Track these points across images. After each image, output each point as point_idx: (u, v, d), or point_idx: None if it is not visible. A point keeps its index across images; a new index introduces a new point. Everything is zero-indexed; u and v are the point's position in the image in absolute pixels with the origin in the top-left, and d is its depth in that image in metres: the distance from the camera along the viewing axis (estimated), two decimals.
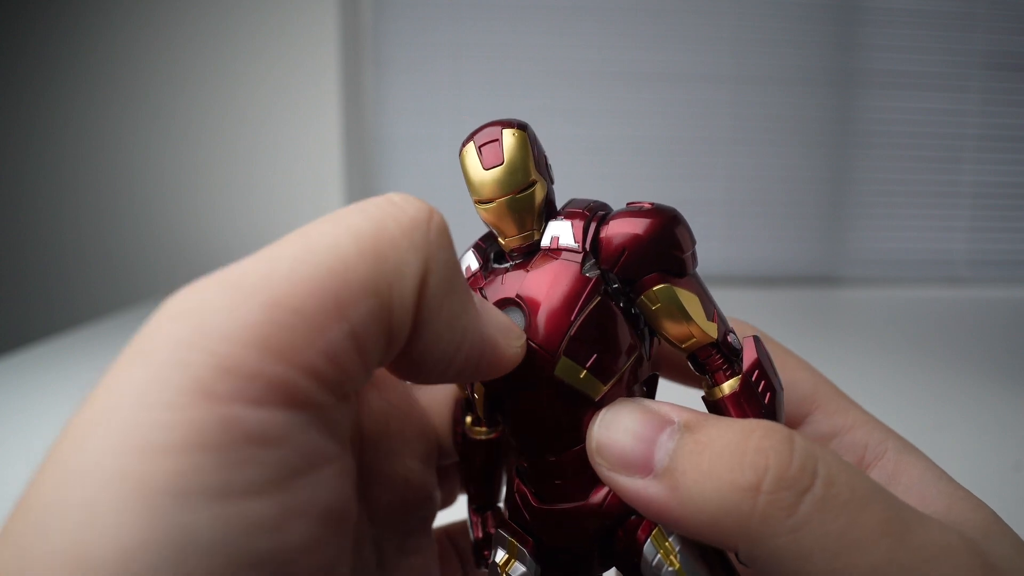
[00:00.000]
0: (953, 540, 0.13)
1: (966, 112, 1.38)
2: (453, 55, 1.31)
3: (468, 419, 0.20)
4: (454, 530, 0.24)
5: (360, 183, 1.32)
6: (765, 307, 1.01)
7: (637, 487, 0.14)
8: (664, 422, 0.14)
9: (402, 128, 1.33)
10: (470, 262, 0.17)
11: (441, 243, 0.13)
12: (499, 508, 0.20)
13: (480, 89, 1.32)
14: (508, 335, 0.15)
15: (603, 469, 0.15)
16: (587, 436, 0.15)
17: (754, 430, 0.14)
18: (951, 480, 0.16)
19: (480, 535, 0.20)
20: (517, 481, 0.17)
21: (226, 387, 0.10)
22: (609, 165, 1.34)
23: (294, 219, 1.26)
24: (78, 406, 0.11)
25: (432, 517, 0.21)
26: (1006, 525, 0.15)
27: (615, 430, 0.14)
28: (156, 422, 0.10)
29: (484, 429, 0.20)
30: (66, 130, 1.24)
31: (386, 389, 0.19)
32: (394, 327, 0.13)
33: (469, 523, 0.20)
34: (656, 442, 0.14)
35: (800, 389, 0.18)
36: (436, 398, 0.21)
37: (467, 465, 0.20)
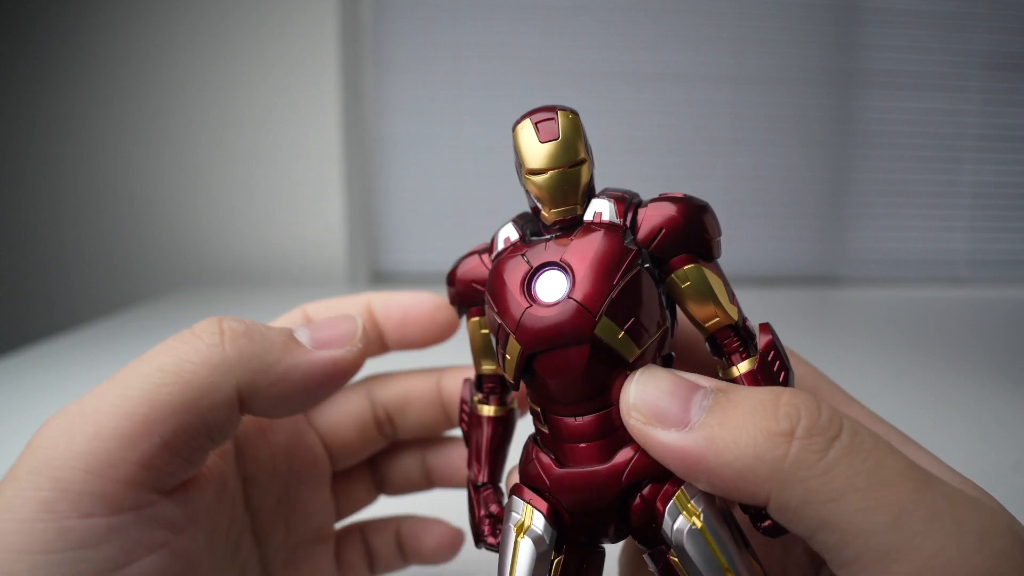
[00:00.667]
0: (976, 499, 0.13)
1: (966, 112, 1.38)
2: (453, 55, 1.31)
3: (476, 397, 0.21)
4: (368, 527, 0.26)
5: (360, 183, 1.33)
6: (765, 307, 1.01)
7: (672, 439, 0.15)
8: (697, 386, 0.15)
9: (402, 128, 1.33)
10: (509, 233, 0.18)
11: (240, 345, 0.18)
12: (500, 488, 0.21)
13: (480, 89, 1.32)
14: (344, 343, 0.20)
15: (638, 424, 0.15)
16: (622, 394, 0.16)
17: (783, 391, 0.15)
18: (957, 472, 0.16)
19: (482, 513, 0.20)
20: (535, 450, 0.18)
21: (63, 505, 0.15)
22: (609, 165, 1.33)
23: (294, 219, 1.26)
24: None
25: (329, 527, 0.25)
26: (1012, 515, 0.15)
27: (652, 386, 0.15)
28: (15, 531, 0.14)
29: (492, 407, 0.21)
30: (66, 130, 1.24)
31: (273, 433, 0.23)
32: (217, 423, 0.17)
33: (469, 501, 0.20)
34: (691, 400, 0.15)
35: (801, 385, 0.19)
36: (332, 419, 0.24)
37: (472, 443, 0.21)
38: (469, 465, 0.21)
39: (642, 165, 1.34)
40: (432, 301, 0.24)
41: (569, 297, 0.16)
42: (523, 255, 0.17)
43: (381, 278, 1.38)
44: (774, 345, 0.17)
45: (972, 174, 1.41)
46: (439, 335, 0.24)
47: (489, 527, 0.20)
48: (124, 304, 1.20)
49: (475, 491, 0.20)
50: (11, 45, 1.22)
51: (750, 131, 1.36)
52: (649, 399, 0.15)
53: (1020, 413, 0.56)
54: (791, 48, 1.34)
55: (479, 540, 0.20)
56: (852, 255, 1.41)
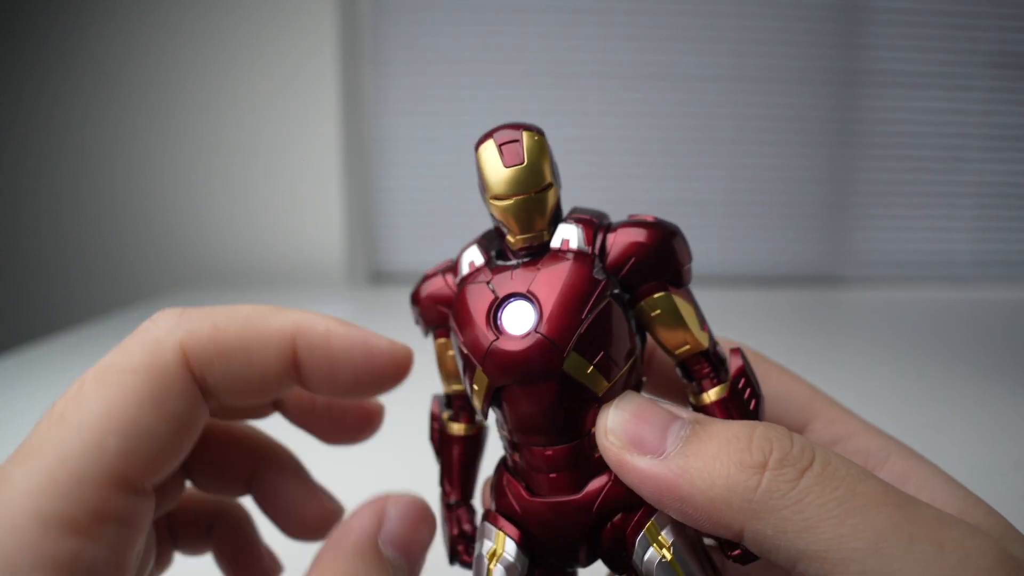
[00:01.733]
0: (959, 520, 0.13)
1: (970, 111, 1.38)
2: (453, 55, 1.31)
3: (446, 415, 0.21)
4: (173, 513, 0.23)
5: (359, 183, 1.32)
6: (765, 307, 1.01)
7: (647, 465, 0.15)
8: (675, 416, 0.15)
9: (402, 128, 1.33)
10: (474, 257, 0.18)
11: (135, 384, 0.16)
12: (472, 506, 0.21)
13: (480, 90, 1.32)
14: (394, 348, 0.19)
15: (614, 448, 0.15)
16: (599, 417, 0.16)
17: (757, 425, 0.15)
18: (961, 485, 0.16)
19: (456, 532, 0.20)
20: (507, 476, 0.18)
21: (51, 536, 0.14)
22: (609, 165, 1.33)
23: (294, 219, 1.26)
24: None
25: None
26: (1019, 532, 0.15)
27: (631, 413, 0.15)
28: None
29: (462, 425, 0.20)
30: (66, 130, 1.25)
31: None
32: (161, 452, 0.16)
33: (441, 520, 0.20)
34: (669, 429, 0.15)
35: (797, 399, 0.19)
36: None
37: (444, 461, 0.21)
38: (441, 483, 0.21)
39: (642, 165, 1.34)
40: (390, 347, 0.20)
41: (536, 331, 0.15)
42: (488, 283, 0.17)
43: (380, 278, 1.38)
44: (745, 372, 0.17)
45: (975, 173, 1.40)
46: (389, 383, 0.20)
47: (464, 546, 0.20)
48: (124, 304, 1.20)
49: (448, 510, 0.20)
50: (11, 45, 1.22)
51: (750, 131, 1.35)
52: (627, 425, 0.15)
53: (1021, 413, 0.55)
54: (792, 48, 1.34)
55: (453, 558, 0.20)
56: (854, 255, 1.41)
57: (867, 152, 1.38)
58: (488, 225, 0.19)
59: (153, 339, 0.16)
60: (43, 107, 1.24)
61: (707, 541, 0.16)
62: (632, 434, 0.15)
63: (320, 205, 1.26)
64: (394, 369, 0.19)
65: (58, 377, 0.65)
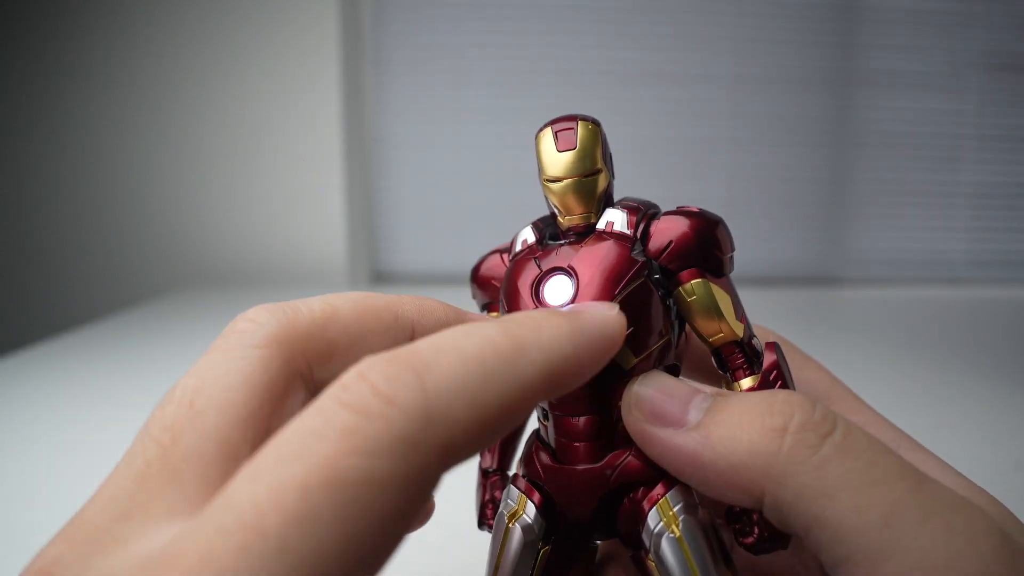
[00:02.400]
0: (968, 501, 0.13)
1: (965, 112, 1.38)
2: (453, 55, 1.31)
3: None
4: None
5: (360, 183, 1.33)
6: (765, 307, 1.01)
7: (669, 435, 0.15)
8: (696, 390, 0.16)
9: (402, 128, 1.33)
10: (527, 236, 0.19)
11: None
12: (507, 475, 0.21)
13: (480, 89, 1.32)
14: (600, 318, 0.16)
15: (638, 421, 0.16)
16: (624, 392, 0.16)
17: (777, 392, 0.15)
18: (966, 478, 0.16)
19: (487, 498, 0.21)
20: (537, 444, 0.18)
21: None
22: None
23: (294, 219, 1.26)
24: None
25: None
26: (1021, 521, 0.15)
27: (654, 387, 0.16)
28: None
29: None
30: (66, 130, 1.24)
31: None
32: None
33: (478, 485, 0.21)
34: (691, 402, 0.15)
35: (817, 389, 0.19)
36: None
37: None
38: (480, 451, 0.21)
39: (642, 165, 1.34)
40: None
41: (572, 303, 0.16)
42: (536, 259, 0.18)
43: (381, 278, 1.38)
44: (778, 365, 0.17)
45: (971, 174, 1.41)
46: None
47: (492, 512, 0.20)
48: (124, 304, 1.20)
49: (483, 477, 0.21)
50: (11, 46, 1.22)
51: (749, 131, 1.36)
52: (650, 398, 0.16)
53: (1020, 413, 0.56)
54: (791, 48, 1.34)
55: (481, 522, 0.21)
56: (851, 255, 1.42)
57: (864, 153, 1.38)
58: (510, 212, 0.20)
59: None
60: (44, 108, 1.24)
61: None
62: (655, 407, 0.15)
63: (321, 205, 1.26)
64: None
65: (59, 378, 0.65)
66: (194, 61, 1.23)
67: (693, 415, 0.15)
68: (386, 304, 0.16)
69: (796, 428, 0.14)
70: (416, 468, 0.11)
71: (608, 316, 0.15)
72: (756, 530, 0.16)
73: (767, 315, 1.00)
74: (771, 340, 0.18)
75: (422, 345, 0.12)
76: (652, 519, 0.16)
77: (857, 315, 1.08)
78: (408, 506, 0.11)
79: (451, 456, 0.11)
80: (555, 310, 0.14)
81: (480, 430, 0.11)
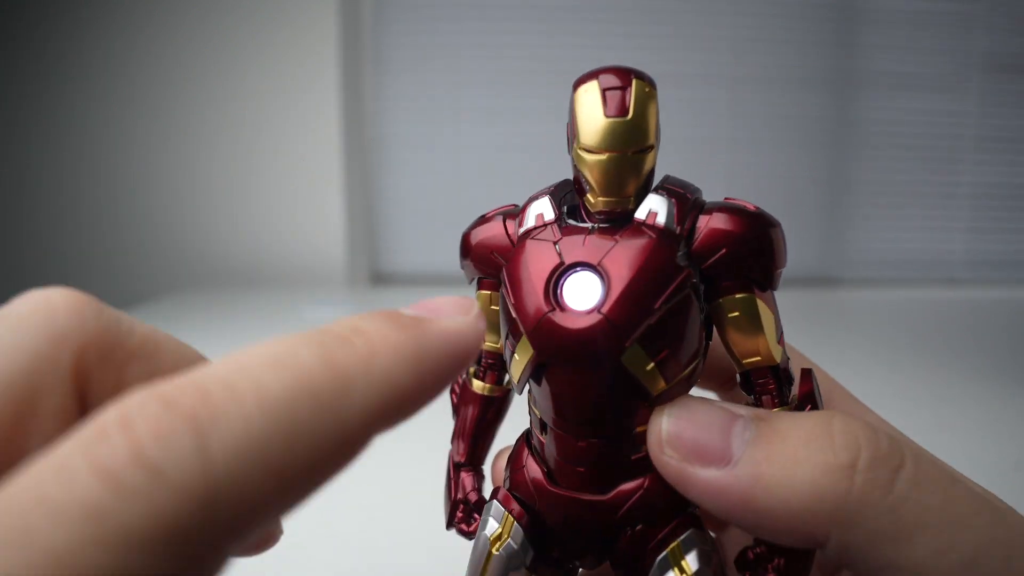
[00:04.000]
0: None
1: (965, 113, 1.38)
2: (453, 55, 1.31)
3: (472, 369, 0.19)
4: None
5: (360, 183, 1.32)
6: None
7: (713, 477, 0.13)
8: (735, 415, 0.14)
9: (402, 128, 1.33)
10: (543, 209, 0.15)
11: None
12: (481, 471, 0.19)
13: (480, 89, 1.32)
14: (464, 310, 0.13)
15: (673, 461, 0.14)
16: (650, 426, 0.14)
17: (832, 417, 0.13)
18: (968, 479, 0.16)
19: (458, 496, 0.19)
20: (527, 454, 0.16)
21: None
22: None
23: (294, 220, 1.26)
24: None
25: None
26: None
27: (687, 420, 0.14)
28: None
29: (486, 384, 0.19)
30: (66, 132, 1.24)
31: None
32: None
33: (447, 480, 0.19)
34: (731, 432, 0.13)
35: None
36: None
37: (459, 418, 0.19)
38: (453, 440, 0.19)
39: None
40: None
41: (599, 311, 0.14)
42: (555, 244, 0.14)
43: (381, 279, 1.38)
44: (812, 397, 0.15)
45: (971, 175, 1.41)
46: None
47: (463, 513, 0.19)
48: (123, 305, 1.20)
49: (454, 471, 0.19)
50: (12, 46, 1.22)
51: (749, 131, 1.36)
52: (685, 434, 0.14)
53: (1019, 413, 0.56)
54: (790, 48, 1.34)
55: (450, 523, 0.19)
56: (850, 256, 1.41)
57: (863, 153, 1.38)
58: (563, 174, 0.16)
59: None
60: (44, 108, 1.24)
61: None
62: (692, 444, 0.13)
63: (321, 206, 1.26)
64: None
65: None
66: (194, 62, 1.22)
67: (736, 448, 0.13)
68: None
69: (866, 465, 0.12)
70: (187, 561, 0.08)
71: (463, 328, 0.11)
72: None
73: None
74: (806, 367, 0.16)
75: (211, 381, 0.09)
76: (660, 567, 0.14)
77: (857, 315, 1.08)
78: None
79: (239, 535, 0.08)
80: (396, 317, 0.11)
81: (281, 498, 0.09)
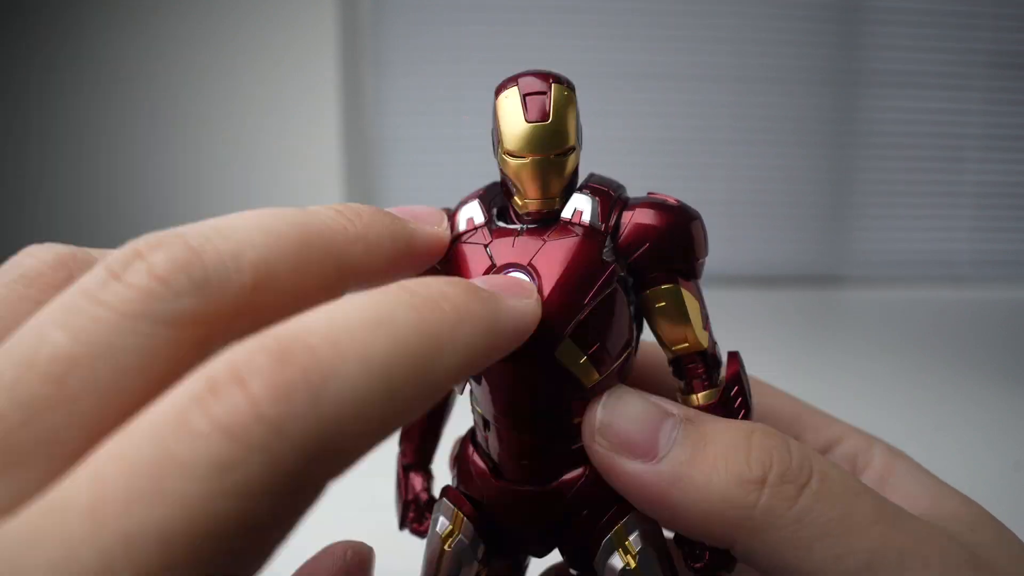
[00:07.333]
0: (937, 530, 0.14)
1: (969, 111, 1.38)
2: (453, 55, 1.31)
3: None
4: None
5: (360, 183, 1.33)
6: (765, 307, 1.01)
7: (637, 471, 0.14)
8: (667, 413, 0.14)
9: (402, 128, 1.33)
10: (473, 214, 0.16)
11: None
12: (430, 471, 0.20)
13: (480, 89, 1.32)
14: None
15: (602, 451, 0.14)
16: (586, 416, 0.15)
17: (754, 430, 0.14)
18: (936, 478, 0.17)
19: (409, 497, 0.19)
20: (471, 450, 0.17)
21: None
22: (608, 165, 1.31)
23: None
24: None
25: None
26: (993, 518, 0.15)
27: (620, 413, 0.14)
28: None
29: None
30: (66, 131, 1.25)
31: None
32: None
33: (397, 482, 0.20)
34: (660, 429, 0.14)
35: (785, 412, 0.19)
36: None
37: None
38: (400, 443, 0.20)
39: (642, 165, 1.34)
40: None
41: None
42: (486, 247, 0.15)
43: None
44: (739, 379, 0.16)
45: (975, 173, 1.40)
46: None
47: (414, 513, 0.19)
48: None
49: (403, 472, 0.20)
50: (11, 45, 1.22)
51: (750, 131, 1.35)
52: (617, 425, 0.14)
53: (1021, 413, 0.56)
54: (792, 47, 1.34)
55: (403, 524, 0.19)
56: (853, 255, 1.41)
57: (866, 152, 1.38)
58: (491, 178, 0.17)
59: None
60: (43, 107, 1.24)
61: (667, 533, 0.16)
62: (622, 436, 0.14)
63: (320, 204, 1.26)
64: None
65: None
66: (193, 61, 1.23)
67: (664, 444, 0.14)
68: (327, 251, 0.13)
69: (774, 481, 0.13)
70: (299, 504, 0.09)
71: (526, 309, 0.13)
72: (707, 555, 0.15)
73: (768, 315, 1.00)
74: (732, 350, 0.17)
75: (316, 337, 0.09)
76: (605, 549, 0.15)
77: (858, 315, 1.08)
78: (282, 539, 0.09)
79: (333, 477, 0.10)
80: (476, 289, 0.12)
81: (370, 447, 0.10)
